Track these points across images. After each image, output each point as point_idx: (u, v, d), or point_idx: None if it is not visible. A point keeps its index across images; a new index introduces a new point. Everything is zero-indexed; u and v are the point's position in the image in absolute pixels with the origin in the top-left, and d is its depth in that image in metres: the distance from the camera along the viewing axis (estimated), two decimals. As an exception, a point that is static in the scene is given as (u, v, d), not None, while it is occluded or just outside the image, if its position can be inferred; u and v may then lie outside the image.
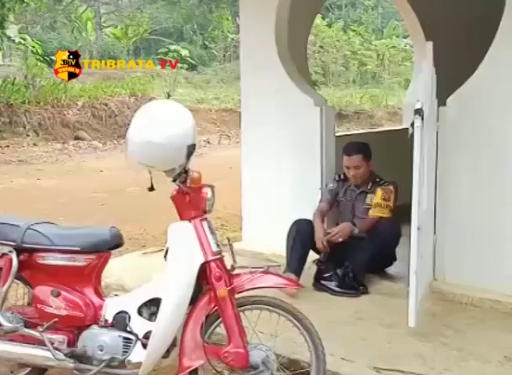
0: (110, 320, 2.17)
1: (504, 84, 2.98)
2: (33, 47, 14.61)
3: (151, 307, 2.12)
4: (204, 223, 2.12)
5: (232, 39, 20.15)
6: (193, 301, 2.09)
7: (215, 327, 2.14)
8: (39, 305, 2.22)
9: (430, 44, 2.75)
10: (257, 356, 2.05)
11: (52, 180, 8.24)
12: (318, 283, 3.25)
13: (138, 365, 2.09)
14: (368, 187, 3.39)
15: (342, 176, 3.50)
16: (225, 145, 12.83)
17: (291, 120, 3.81)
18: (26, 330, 2.22)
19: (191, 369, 2.08)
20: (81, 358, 2.16)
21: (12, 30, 14.84)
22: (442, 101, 3.11)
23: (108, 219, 5.10)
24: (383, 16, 24.47)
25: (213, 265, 2.06)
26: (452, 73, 3.23)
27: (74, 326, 2.19)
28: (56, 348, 2.15)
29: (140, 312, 2.14)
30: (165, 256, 2.11)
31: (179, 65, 17.70)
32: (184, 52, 19.99)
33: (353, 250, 3.25)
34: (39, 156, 10.69)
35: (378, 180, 3.39)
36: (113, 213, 5.69)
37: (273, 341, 2.15)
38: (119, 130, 13.06)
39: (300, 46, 4.33)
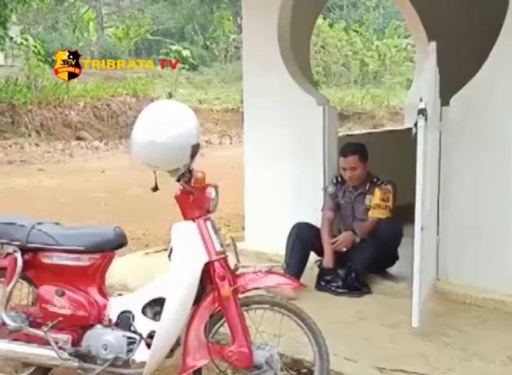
0: (114, 320, 2.18)
1: (507, 84, 2.98)
2: (35, 47, 14.63)
3: (155, 307, 2.13)
4: (208, 223, 2.12)
5: (234, 39, 20.17)
6: (197, 300, 2.09)
7: (219, 327, 2.14)
8: (43, 305, 2.23)
9: (433, 44, 2.75)
10: (261, 356, 2.06)
11: (54, 180, 8.26)
12: (320, 284, 3.25)
13: (142, 364, 2.10)
14: (366, 188, 3.37)
15: (339, 179, 3.48)
16: (226, 145, 12.84)
17: (294, 120, 3.82)
18: (31, 329, 2.22)
19: (195, 368, 2.09)
20: (85, 357, 2.17)
21: (14, 31, 14.88)
22: (445, 101, 3.11)
23: (111, 219, 5.11)
24: (384, 16, 24.48)
25: (217, 264, 2.07)
26: (455, 73, 3.23)
27: (78, 326, 2.20)
28: (61, 348, 2.16)
29: (144, 312, 2.15)
30: (169, 256, 2.12)
31: (180, 65, 17.71)
32: (185, 53, 20.01)
33: (356, 251, 3.25)
34: (41, 156, 10.72)
35: (375, 180, 3.37)
36: (115, 213, 5.70)
37: (277, 341, 2.15)
38: (120, 131, 13.09)
39: (303, 46, 4.33)
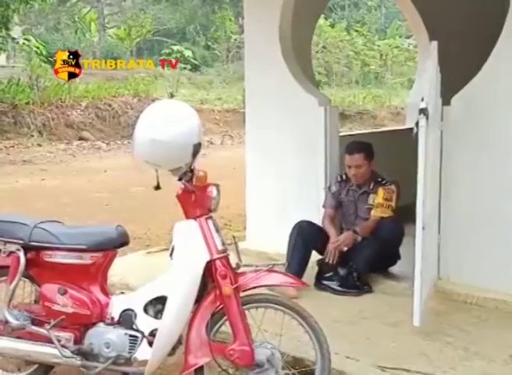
0: (116, 318, 2.18)
1: (508, 84, 2.98)
2: (38, 48, 14.67)
3: (157, 305, 2.14)
4: (210, 222, 2.13)
5: (235, 39, 20.19)
6: (199, 299, 2.10)
7: (221, 325, 2.14)
8: (46, 303, 2.24)
9: (435, 44, 2.75)
10: (263, 354, 2.06)
11: (56, 180, 8.28)
12: (320, 282, 3.26)
13: (144, 362, 2.10)
14: (370, 187, 3.39)
15: (344, 177, 3.49)
16: (228, 146, 12.85)
17: (295, 120, 3.82)
18: (34, 327, 2.23)
19: (197, 366, 2.09)
20: (88, 355, 2.17)
21: (16, 31, 14.93)
22: (446, 100, 3.11)
23: (113, 219, 5.12)
24: (386, 16, 24.47)
25: (218, 263, 2.07)
26: (456, 73, 3.23)
27: (81, 324, 2.21)
28: (63, 346, 2.17)
29: (146, 310, 2.15)
30: (170, 254, 2.13)
31: (182, 65, 17.75)
32: (187, 53, 20.05)
33: (357, 249, 3.26)
34: (43, 156, 10.74)
35: (379, 179, 3.39)
36: (117, 213, 5.71)
37: (278, 340, 2.16)
38: (122, 131, 13.12)
39: (304, 46, 4.34)
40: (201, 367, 2.11)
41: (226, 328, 2.11)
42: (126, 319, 2.16)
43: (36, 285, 2.37)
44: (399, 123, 13.43)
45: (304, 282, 2.39)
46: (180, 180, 2.09)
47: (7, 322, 2.25)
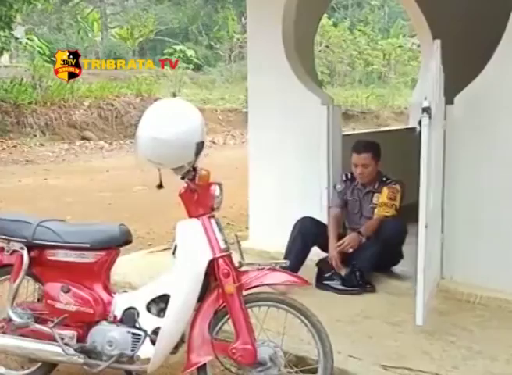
0: (119, 316, 2.19)
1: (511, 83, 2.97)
2: (40, 48, 14.70)
3: (160, 303, 2.14)
4: (212, 221, 2.13)
5: (238, 39, 20.16)
6: (202, 297, 2.10)
7: (223, 324, 2.15)
8: (49, 301, 2.24)
9: (438, 43, 2.75)
10: (265, 353, 2.07)
11: (59, 179, 8.29)
12: (320, 283, 3.25)
13: (147, 360, 2.11)
14: (375, 187, 3.39)
15: (349, 176, 3.49)
16: (230, 145, 12.85)
17: (298, 119, 3.82)
18: (37, 325, 2.24)
19: (199, 365, 2.10)
20: (90, 353, 2.18)
21: (19, 31, 14.96)
22: (449, 99, 3.11)
23: (115, 218, 5.11)
24: (389, 15, 24.40)
25: (221, 261, 2.07)
26: (459, 72, 3.23)
27: (84, 322, 2.22)
28: (66, 344, 2.18)
29: (148, 309, 2.16)
30: (173, 253, 2.13)
31: (184, 65, 17.75)
32: (190, 53, 20.05)
33: (360, 249, 3.25)
34: (46, 156, 10.76)
35: (385, 179, 3.39)
36: (120, 212, 5.72)
37: (281, 338, 2.16)
38: (125, 130, 13.13)
39: (307, 45, 4.34)
40: (204, 365, 2.12)
41: (229, 327, 2.12)
42: (129, 318, 2.17)
43: (39, 283, 2.37)
44: (402, 122, 13.40)
45: (306, 281, 2.39)
46: (183, 178, 2.10)
47: (10, 320, 2.26)
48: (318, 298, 3.03)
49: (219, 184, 2.16)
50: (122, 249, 2.33)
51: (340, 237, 3.33)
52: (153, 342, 2.10)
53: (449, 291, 3.11)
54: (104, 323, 2.20)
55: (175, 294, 2.07)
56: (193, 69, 19.21)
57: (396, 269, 3.43)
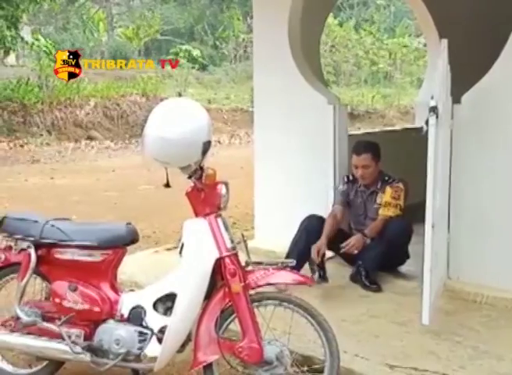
0: (126, 315, 2.20)
1: (519, 82, 2.96)
2: (47, 47, 14.75)
3: (167, 302, 2.15)
4: (219, 220, 2.14)
5: (243, 39, 20.18)
6: (208, 296, 2.11)
7: (230, 322, 2.15)
8: (56, 300, 2.25)
9: (445, 42, 2.74)
10: (272, 352, 2.07)
11: (65, 179, 8.33)
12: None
13: (153, 359, 2.12)
14: (378, 187, 3.37)
15: (351, 177, 3.48)
16: (235, 145, 12.86)
17: (304, 119, 3.82)
18: (45, 323, 2.25)
19: (205, 363, 2.10)
20: (97, 351, 2.19)
21: (25, 31, 15.02)
22: (456, 98, 3.10)
23: (121, 217, 5.14)
24: (395, 14, 24.31)
25: (227, 260, 2.08)
26: (466, 71, 3.22)
27: (91, 321, 2.23)
28: (73, 342, 2.19)
29: (155, 307, 2.17)
30: (180, 252, 2.13)
31: (190, 65, 17.77)
32: (195, 52, 20.08)
33: (365, 248, 3.25)
34: (52, 155, 10.82)
35: (387, 178, 3.37)
36: (126, 212, 5.74)
37: (287, 337, 2.16)
38: (130, 130, 13.18)
39: (313, 45, 4.33)
40: (210, 364, 2.12)
41: (235, 326, 2.12)
42: (136, 316, 2.18)
43: (46, 282, 2.39)
44: (408, 122, 13.36)
45: (312, 280, 2.39)
46: (190, 177, 2.10)
47: (18, 318, 2.27)
48: (324, 298, 3.03)
49: (226, 183, 2.16)
50: (128, 248, 2.34)
51: (346, 237, 3.32)
52: (159, 341, 2.11)
53: (455, 290, 3.10)
54: (111, 321, 2.21)
55: (181, 293, 2.08)
56: (198, 69, 19.25)
57: (402, 268, 3.43)
